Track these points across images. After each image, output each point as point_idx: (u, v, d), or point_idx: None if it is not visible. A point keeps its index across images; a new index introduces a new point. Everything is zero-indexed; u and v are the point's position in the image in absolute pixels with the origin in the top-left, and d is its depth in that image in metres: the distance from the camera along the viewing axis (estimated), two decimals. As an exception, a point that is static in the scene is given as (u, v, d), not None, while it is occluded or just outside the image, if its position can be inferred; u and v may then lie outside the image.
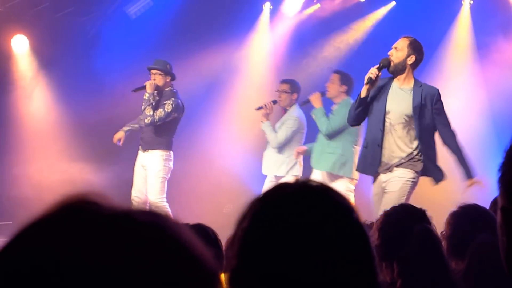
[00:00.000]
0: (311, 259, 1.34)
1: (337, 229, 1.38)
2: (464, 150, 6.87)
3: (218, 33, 11.21)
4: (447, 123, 6.82)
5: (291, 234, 1.35)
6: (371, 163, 6.80)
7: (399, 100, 6.76)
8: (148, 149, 8.79)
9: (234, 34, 11.45)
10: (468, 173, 6.89)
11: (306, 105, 9.00)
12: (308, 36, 11.55)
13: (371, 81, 6.64)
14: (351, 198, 8.52)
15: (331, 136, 8.59)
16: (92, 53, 11.40)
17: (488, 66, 10.91)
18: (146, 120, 8.65)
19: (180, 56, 10.23)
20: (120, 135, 9.11)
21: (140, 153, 8.94)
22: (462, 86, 10.97)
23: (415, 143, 6.73)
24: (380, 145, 6.72)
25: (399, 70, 6.78)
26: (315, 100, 8.70)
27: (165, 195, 8.76)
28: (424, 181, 7.05)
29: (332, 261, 1.35)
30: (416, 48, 6.82)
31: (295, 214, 1.38)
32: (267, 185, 8.90)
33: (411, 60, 6.78)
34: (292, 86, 9.20)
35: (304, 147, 9.10)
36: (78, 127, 11.35)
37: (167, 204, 8.66)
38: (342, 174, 8.61)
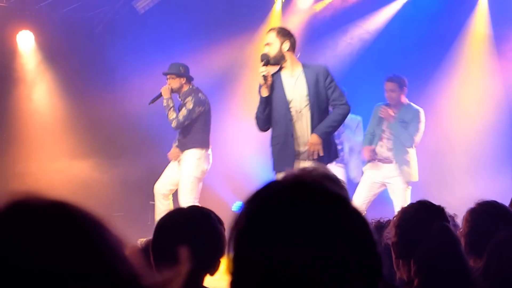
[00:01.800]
0: (309, 256, 1.32)
1: (333, 222, 1.36)
2: (333, 126, 7.04)
3: (229, 27, 11.21)
4: (337, 97, 7.05)
5: (286, 232, 1.34)
6: (289, 155, 6.97)
7: (295, 85, 7.04)
8: (183, 150, 8.89)
9: (245, 28, 11.46)
10: (317, 129, 6.99)
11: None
12: (321, 30, 11.55)
13: (266, 79, 6.95)
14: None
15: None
16: (99, 49, 11.42)
17: (505, 58, 10.89)
18: (172, 125, 8.81)
19: (190, 51, 10.25)
20: (174, 151, 9.09)
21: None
22: (479, 78, 10.96)
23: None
24: (292, 135, 6.96)
25: (279, 59, 7.05)
26: (389, 117, 8.98)
27: (196, 196, 8.77)
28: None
29: (331, 256, 1.33)
30: (285, 33, 7.13)
31: (289, 211, 1.36)
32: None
33: (286, 45, 7.06)
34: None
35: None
36: (83, 123, 11.37)
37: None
38: None
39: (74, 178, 10.57)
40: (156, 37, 11.21)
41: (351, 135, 9.66)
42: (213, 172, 9.65)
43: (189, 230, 3.01)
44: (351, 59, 11.41)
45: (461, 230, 3.82)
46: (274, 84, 7.04)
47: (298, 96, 7.00)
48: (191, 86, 8.96)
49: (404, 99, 9.02)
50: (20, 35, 11.34)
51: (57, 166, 11.00)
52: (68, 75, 11.35)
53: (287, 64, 7.08)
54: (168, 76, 8.90)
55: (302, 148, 6.98)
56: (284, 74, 7.10)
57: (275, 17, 11.77)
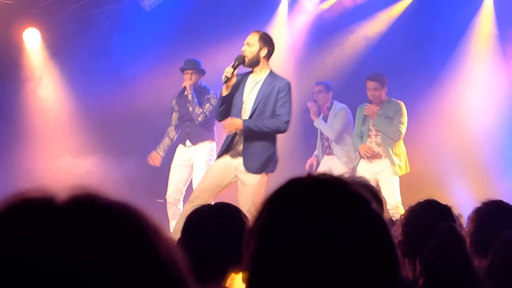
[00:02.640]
0: (327, 256, 1.32)
1: (352, 223, 1.36)
2: (260, 128, 7.22)
3: (235, 25, 11.20)
4: (282, 113, 7.24)
5: (307, 231, 1.34)
6: (226, 146, 7.36)
7: (252, 90, 7.31)
8: (198, 142, 9.25)
9: (251, 26, 11.40)
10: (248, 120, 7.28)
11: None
12: (327, 29, 11.55)
13: (227, 80, 7.20)
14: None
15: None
16: (106, 47, 11.43)
17: (511, 59, 10.90)
18: (199, 118, 9.15)
19: (196, 49, 10.26)
20: (154, 156, 9.56)
21: (184, 148, 9.35)
22: (485, 79, 10.95)
23: None
24: (237, 133, 7.29)
25: (254, 63, 7.30)
26: (373, 113, 9.24)
27: None
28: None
29: (349, 257, 1.33)
30: (266, 40, 7.37)
31: (309, 210, 1.36)
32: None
33: (263, 52, 7.30)
34: (326, 86, 9.95)
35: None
36: (90, 121, 11.37)
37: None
38: None
39: (81, 175, 10.59)
40: (163, 34, 11.22)
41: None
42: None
43: (221, 226, 3.01)
44: (357, 58, 11.41)
45: (466, 229, 3.81)
46: (240, 83, 7.33)
47: (250, 100, 7.30)
48: (203, 83, 9.34)
49: (385, 96, 9.29)
50: (26, 33, 11.34)
51: (64, 163, 11.02)
52: (75, 72, 11.35)
53: (257, 69, 7.34)
54: (189, 71, 9.21)
55: (238, 147, 7.31)
56: (250, 77, 7.39)
57: (281, 16, 11.78)
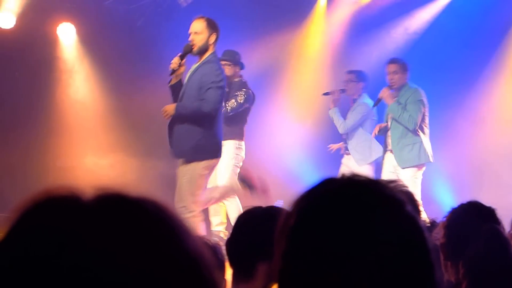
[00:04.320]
0: (360, 256, 1.32)
1: (387, 224, 1.35)
2: (185, 108, 7.33)
3: (273, 20, 11.22)
4: (208, 97, 7.26)
5: (338, 232, 1.34)
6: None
7: (189, 75, 7.42)
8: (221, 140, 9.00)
9: (289, 21, 11.46)
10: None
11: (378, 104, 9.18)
12: (366, 25, 11.51)
13: (173, 71, 7.33)
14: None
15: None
16: (140, 43, 11.48)
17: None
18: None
19: (233, 45, 10.26)
20: None
21: None
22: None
23: None
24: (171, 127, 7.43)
25: (203, 51, 7.35)
26: (387, 96, 8.87)
27: None
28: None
29: (383, 258, 1.32)
30: (214, 26, 7.39)
31: (342, 210, 1.36)
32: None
33: (212, 39, 7.34)
34: (358, 75, 9.66)
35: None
36: (124, 118, 11.44)
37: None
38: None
39: (110, 174, 10.64)
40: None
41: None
42: (255, 167, 9.67)
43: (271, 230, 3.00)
44: (396, 54, 11.34)
45: (511, 232, 3.78)
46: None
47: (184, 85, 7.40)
48: (241, 78, 9.09)
49: (404, 82, 8.96)
50: (60, 28, 11.43)
51: (95, 160, 11.10)
52: (109, 68, 11.42)
53: (205, 56, 7.37)
54: (223, 63, 8.80)
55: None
56: (195, 64, 7.45)
57: (320, 11, 11.76)
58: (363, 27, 11.51)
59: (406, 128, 8.72)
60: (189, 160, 7.29)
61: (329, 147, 9.89)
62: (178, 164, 7.44)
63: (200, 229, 7.28)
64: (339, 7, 11.69)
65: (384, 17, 11.46)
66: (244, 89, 8.97)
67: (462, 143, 10.55)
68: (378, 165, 9.41)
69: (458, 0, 11.22)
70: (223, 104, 8.72)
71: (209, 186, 9.01)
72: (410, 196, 1.49)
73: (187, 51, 7.31)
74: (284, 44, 11.51)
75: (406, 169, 8.69)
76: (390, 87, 8.89)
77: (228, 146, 8.89)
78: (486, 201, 3.48)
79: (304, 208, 1.41)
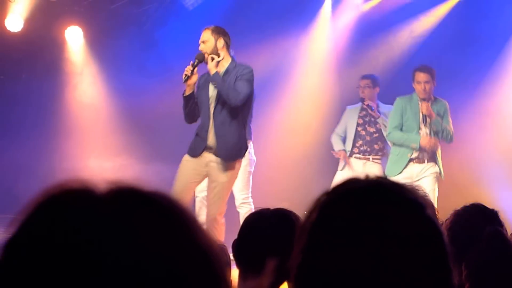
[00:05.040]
0: (380, 256, 1.32)
1: (408, 226, 1.36)
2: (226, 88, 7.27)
3: (279, 23, 11.21)
4: (239, 87, 7.26)
5: (359, 230, 1.35)
6: (200, 147, 7.38)
7: (210, 87, 7.34)
8: None
9: (295, 24, 11.45)
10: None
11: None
12: (371, 29, 11.49)
13: (187, 79, 7.24)
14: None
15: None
16: (148, 45, 11.49)
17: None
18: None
19: (239, 48, 10.27)
20: None
21: None
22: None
23: None
24: (207, 130, 7.31)
25: (216, 55, 7.29)
26: (431, 113, 8.56)
27: (250, 190, 8.71)
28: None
29: (402, 258, 1.33)
30: (219, 31, 7.40)
31: (364, 210, 1.37)
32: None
33: (220, 43, 7.32)
34: (374, 80, 9.49)
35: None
36: (130, 121, 11.45)
37: (251, 200, 8.63)
38: None
39: (118, 176, 10.63)
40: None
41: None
42: (259, 170, 9.69)
43: (279, 231, 3.00)
44: (401, 58, 11.34)
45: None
46: (203, 81, 7.39)
47: (209, 94, 7.34)
48: None
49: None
50: (68, 31, 11.46)
51: (101, 163, 11.10)
52: (116, 72, 11.43)
53: (220, 63, 7.34)
54: None
55: (209, 142, 7.34)
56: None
57: (325, 15, 11.76)
58: (368, 31, 11.49)
59: (445, 141, 8.55)
60: (233, 159, 7.31)
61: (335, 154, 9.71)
62: (202, 165, 7.39)
63: None
64: (344, 11, 11.68)
65: (389, 21, 11.44)
66: None
67: (468, 146, 10.54)
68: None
69: (463, 4, 11.21)
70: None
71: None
72: (430, 203, 1.51)
73: (200, 60, 7.30)
74: (289, 49, 11.50)
75: (426, 178, 8.50)
76: (423, 99, 8.48)
77: None
78: (489, 203, 3.49)
79: (327, 204, 1.42)
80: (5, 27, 10.75)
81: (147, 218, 1.00)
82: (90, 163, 11.16)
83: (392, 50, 11.43)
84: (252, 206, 8.46)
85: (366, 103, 9.38)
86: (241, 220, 8.47)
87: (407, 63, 10.97)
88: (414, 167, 8.64)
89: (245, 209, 8.48)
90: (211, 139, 7.33)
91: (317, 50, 11.78)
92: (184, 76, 7.25)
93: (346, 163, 9.48)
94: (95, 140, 11.51)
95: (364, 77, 9.54)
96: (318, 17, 11.77)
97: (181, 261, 0.99)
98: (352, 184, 1.44)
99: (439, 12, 11.40)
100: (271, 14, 11.26)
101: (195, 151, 7.41)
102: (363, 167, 9.47)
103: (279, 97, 11.45)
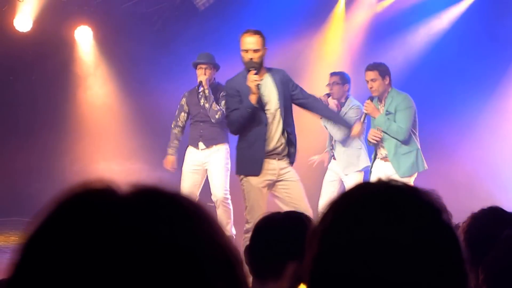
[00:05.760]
0: (394, 261, 1.31)
1: (423, 230, 1.34)
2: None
3: (290, 23, 11.22)
4: (307, 95, 7.50)
5: (373, 235, 1.33)
6: (259, 158, 7.22)
7: (265, 89, 7.21)
8: (212, 145, 8.91)
9: (307, 25, 11.46)
10: (347, 124, 7.85)
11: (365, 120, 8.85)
12: (386, 28, 11.49)
13: (259, 88, 7.10)
14: None
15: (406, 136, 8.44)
16: (159, 46, 11.50)
17: None
18: (216, 116, 8.74)
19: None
20: (172, 160, 9.22)
21: (196, 151, 8.99)
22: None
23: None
24: (264, 138, 7.19)
25: (261, 67, 7.20)
26: (372, 111, 8.40)
27: (228, 188, 8.86)
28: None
29: (417, 264, 1.32)
30: (265, 40, 7.25)
31: (379, 215, 1.35)
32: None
33: (265, 52, 7.23)
34: (342, 77, 9.34)
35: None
36: (141, 123, 11.47)
37: (229, 197, 8.81)
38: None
39: (133, 177, 10.64)
40: (217, 34, 11.25)
41: None
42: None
43: (292, 234, 3.01)
44: (416, 58, 11.31)
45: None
46: (247, 88, 7.20)
47: (271, 99, 7.22)
48: (215, 80, 8.99)
49: (388, 88, 8.40)
50: (78, 31, 11.48)
51: (112, 165, 11.12)
52: (127, 72, 11.45)
53: (263, 75, 7.28)
54: (204, 66, 8.86)
55: (271, 148, 7.23)
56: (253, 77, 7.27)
57: (338, 16, 11.75)
58: (382, 31, 11.49)
59: (397, 139, 8.33)
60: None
61: (310, 160, 9.61)
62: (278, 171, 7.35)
63: None
64: (358, 11, 11.68)
65: (403, 21, 11.43)
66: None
67: (484, 148, 10.51)
68: (366, 173, 9.09)
69: (479, 3, 11.17)
70: (218, 108, 8.75)
71: (196, 192, 8.93)
72: (444, 207, 1.48)
73: (256, 67, 7.11)
74: (302, 50, 11.50)
75: (402, 178, 8.09)
76: (372, 98, 8.40)
77: (221, 151, 8.92)
78: (507, 206, 3.46)
79: (340, 210, 1.41)
80: (14, 27, 10.76)
81: (169, 219, 1.00)
82: (102, 165, 11.18)
83: (406, 50, 11.40)
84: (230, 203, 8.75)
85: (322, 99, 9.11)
86: (219, 214, 8.61)
87: (421, 63, 10.94)
88: (384, 166, 8.48)
89: (226, 205, 8.75)
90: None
91: (331, 51, 11.79)
92: (255, 85, 7.05)
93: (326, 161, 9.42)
94: (105, 142, 11.52)
95: (333, 74, 9.44)
96: (332, 18, 11.78)
97: (202, 264, 0.98)
98: (366, 188, 1.43)
99: (454, 12, 11.37)
100: (284, 15, 11.26)
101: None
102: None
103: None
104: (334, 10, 11.78)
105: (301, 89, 7.49)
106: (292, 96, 7.37)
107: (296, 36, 11.35)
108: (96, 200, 1.00)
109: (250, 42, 7.15)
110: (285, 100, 7.28)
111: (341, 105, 9.26)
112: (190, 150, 9.03)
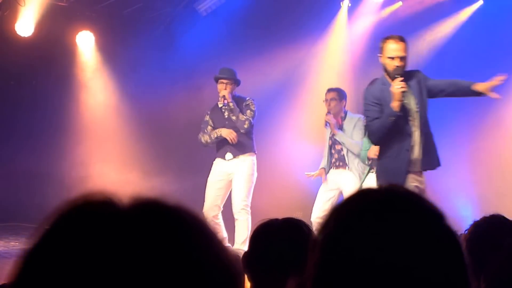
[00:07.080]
0: (397, 268, 1.31)
1: (425, 237, 1.35)
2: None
3: (292, 30, 11.21)
4: (446, 82, 7.13)
5: (375, 242, 1.33)
6: (402, 169, 6.90)
7: (411, 98, 6.94)
8: (239, 154, 9.02)
9: (309, 32, 11.45)
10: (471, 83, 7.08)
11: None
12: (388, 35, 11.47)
13: (405, 95, 6.81)
14: None
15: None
16: (161, 51, 11.50)
17: None
18: (245, 126, 8.94)
19: (252, 54, 10.27)
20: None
21: (223, 162, 9.08)
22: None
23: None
24: (408, 149, 6.87)
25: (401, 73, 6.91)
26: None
27: (250, 200, 8.93)
28: None
29: (420, 271, 1.32)
30: (408, 47, 7.02)
31: (381, 222, 1.35)
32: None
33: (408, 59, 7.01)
34: (339, 93, 9.37)
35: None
36: (142, 129, 11.47)
37: (249, 209, 8.87)
38: None
39: (131, 185, 10.65)
40: (218, 40, 11.25)
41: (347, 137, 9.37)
42: (272, 180, 9.67)
43: (290, 241, 3.01)
44: (417, 66, 11.30)
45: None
46: (389, 96, 6.90)
47: (411, 105, 6.94)
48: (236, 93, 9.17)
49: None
50: (80, 36, 11.49)
51: (112, 171, 11.11)
52: (128, 77, 11.45)
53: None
54: (225, 81, 8.98)
55: (414, 159, 6.91)
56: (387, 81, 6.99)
57: (341, 23, 11.74)
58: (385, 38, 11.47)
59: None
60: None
61: (308, 175, 9.61)
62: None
63: None
64: (361, 18, 11.67)
65: (406, 28, 11.42)
66: (247, 98, 9.08)
67: (491, 155, 10.50)
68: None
69: (484, 9, 11.17)
70: (246, 117, 8.96)
71: (219, 203, 9.00)
72: (444, 212, 1.48)
73: (401, 73, 6.87)
74: (305, 56, 11.49)
75: None
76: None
77: (248, 161, 9.02)
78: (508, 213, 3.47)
79: (341, 218, 1.40)
80: (16, 32, 10.76)
81: (169, 232, 1.00)
82: (103, 170, 11.17)
83: (411, 57, 11.37)
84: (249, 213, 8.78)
85: (325, 119, 9.33)
86: (237, 226, 8.64)
87: (427, 71, 10.91)
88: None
89: (244, 216, 8.80)
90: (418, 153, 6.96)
91: (333, 58, 11.77)
92: (401, 93, 6.77)
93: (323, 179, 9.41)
94: (108, 147, 11.52)
95: (330, 90, 9.44)
96: (334, 24, 11.76)
97: (201, 278, 0.99)
98: (367, 195, 1.43)
99: (459, 18, 11.37)
100: (287, 21, 11.25)
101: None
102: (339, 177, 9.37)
103: (294, 105, 11.43)
104: (337, 16, 11.77)
105: (436, 80, 7.10)
106: (430, 92, 7.02)
107: (299, 42, 11.35)
108: (97, 212, 1.01)
109: (396, 49, 6.86)
110: (423, 105, 6.95)
111: (341, 119, 9.35)
112: (217, 161, 9.15)
